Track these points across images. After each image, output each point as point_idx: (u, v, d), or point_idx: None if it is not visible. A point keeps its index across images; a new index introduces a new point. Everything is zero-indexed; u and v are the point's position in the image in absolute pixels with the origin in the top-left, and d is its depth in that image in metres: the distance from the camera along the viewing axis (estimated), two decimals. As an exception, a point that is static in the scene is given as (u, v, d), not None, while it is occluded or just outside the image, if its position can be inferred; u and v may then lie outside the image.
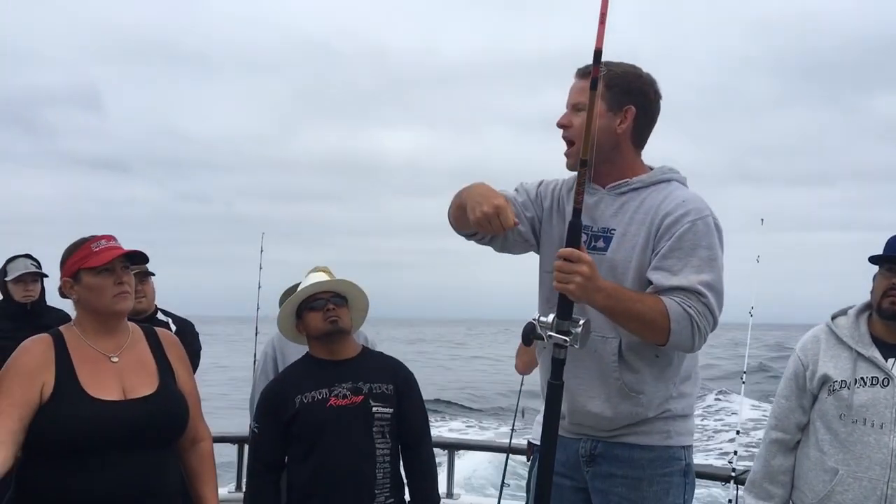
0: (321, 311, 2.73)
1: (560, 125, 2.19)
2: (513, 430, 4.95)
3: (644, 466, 2.15)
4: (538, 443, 4.05)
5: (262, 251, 4.95)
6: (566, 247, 1.95)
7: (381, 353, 2.99)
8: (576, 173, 2.01)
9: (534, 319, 1.96)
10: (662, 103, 2.22)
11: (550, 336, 1.91)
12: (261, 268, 4.91)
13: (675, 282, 2.02)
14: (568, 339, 1.89)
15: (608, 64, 2.10)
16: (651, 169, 2.23)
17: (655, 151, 2.27)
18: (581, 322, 1.91)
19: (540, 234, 2.30)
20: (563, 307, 1.93)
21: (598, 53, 1.90)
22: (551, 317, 1.92)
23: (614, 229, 2.16)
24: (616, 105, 2.14)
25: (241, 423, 5.62)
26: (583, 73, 2.15)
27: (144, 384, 2.22)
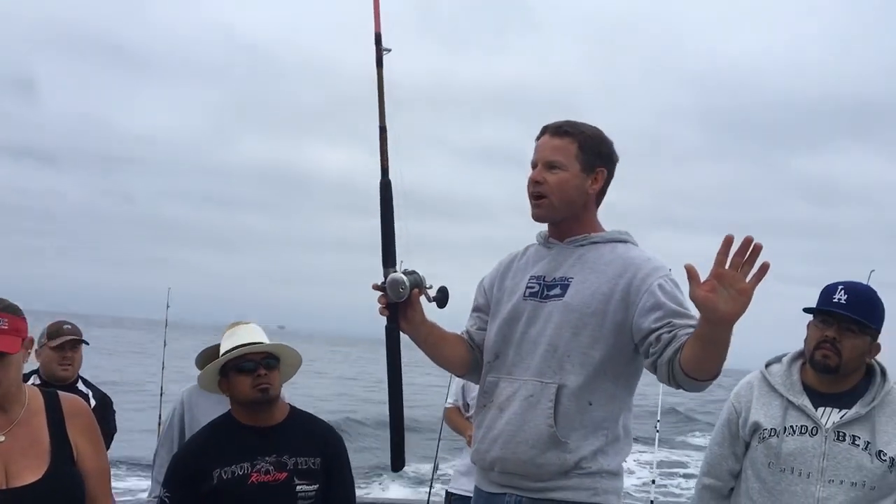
0: (251, 375, 2.50)
1: (533, 180, 2.21)
2: (431, 486, 4.81)
3: None
4: (457, 492, 4.00)
5: (164, 345, 4.76)
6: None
7: (310, 417, 2.75)
8: (519, 251, 2.35)
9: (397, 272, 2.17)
10: None
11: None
12: (164, 367, 4.67)
13: (692, 321, 2.01)
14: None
15: (577, 125, 2.22)
16: (603, 229, 2.29)
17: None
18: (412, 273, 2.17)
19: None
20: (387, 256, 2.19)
21: (377, 38, 2.20)
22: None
23: (572, 277, 2.20)
24: (589, 167, 2.21)
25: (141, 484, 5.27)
26: (553, 132, 2.22)
27: (30, 468, 1.94)
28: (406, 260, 2.22)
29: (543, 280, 2.22)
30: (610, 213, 2.30)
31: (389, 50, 2.22)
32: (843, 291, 2.33)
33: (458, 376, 2.51)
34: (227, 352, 2.56)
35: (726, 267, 1.80)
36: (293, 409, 2.68)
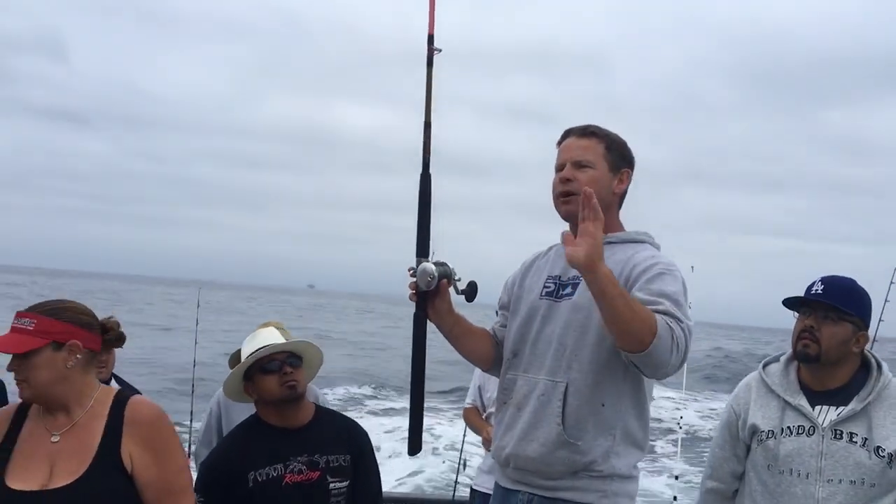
0: (277, 374, 2.55)
1: (564, 178, 2.28)
2: (456, 482, 4.92)
3: None
4: (480, 489, 4.08)
5: (197, 323, 4.68)
6: None
7: (335, 415, 2.84)
8: (542, 250, 2.43)
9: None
10: (619, 100, 2.38)
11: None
12: (196, 342, 4.64)
13: (658, 307, 2.06)
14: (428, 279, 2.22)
15: (603, 130, 2.33)
16: (623, 229, 2.35)
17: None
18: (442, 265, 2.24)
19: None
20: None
21: (430, 38, 2.26)
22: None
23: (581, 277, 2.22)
24: (615, 167, 2.31)
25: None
26: (579, 133, 2.31)
27: (71, 471, 1.94)
28: (437, 252, 2.30)
29: (559, 280, 2.30)
30: (640, 171, 2.35)
31: (440, 50, 2.28)
32: (820, 283, 2.38)
33: (484, 370, 2.57)
34: (249, 355, 2.61)
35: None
36: (318, 407, 2.75)
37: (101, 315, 2.24)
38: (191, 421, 4.24)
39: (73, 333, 2.03)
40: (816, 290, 2.37)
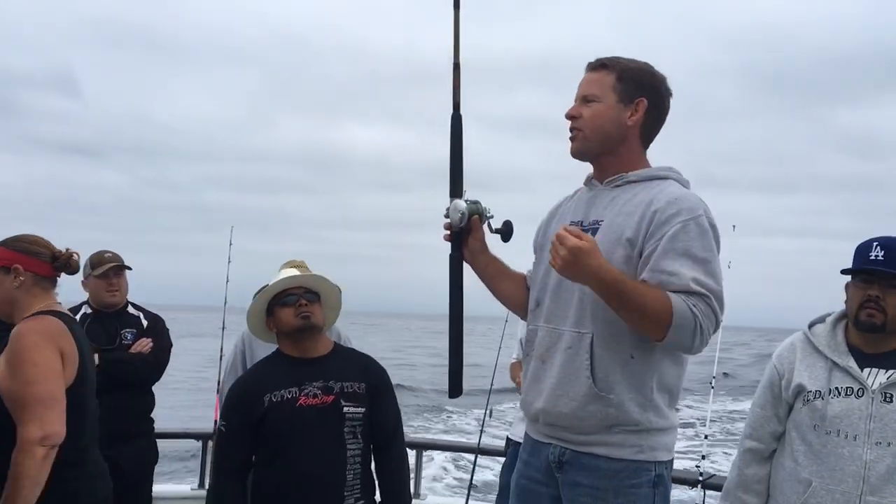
0: (293, 306, 2.65)
1: (569, 116, 2.18)
2: (482, 430, 4.92)
3: (610, 477, 2.07)
4: (516, 439, 4.08)
5: (230, 244, 4.83)
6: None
7: (353, 350, 2.94)
8: (569, 195, 2.33)
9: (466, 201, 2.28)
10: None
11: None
12: (230, 261, 4.79)
13: (676, 285, 1.97)
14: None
15: (619, 59, 2.17)
16: (647, 165, 2.22)
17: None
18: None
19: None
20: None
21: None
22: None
23: (602, 220, 2.14)
24: (627, 97, 2.14)
25: (206, 418, 5.50)
26: (593, 67, 2.18)
27: None
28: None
29: (581, 225, 2.17)
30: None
31: None
32: (878, 248, 2.28)
33: (521, 317, 2.47)
34: (260, 289, 2.75)
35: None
36: (337, 344, 2.84)
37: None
38: (220, 360, 4.28)
39: (17, 259, 2.41)
40: (876, 255, 2.28)
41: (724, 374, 28.42)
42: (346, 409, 2.59)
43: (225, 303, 4.78)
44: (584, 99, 2.16)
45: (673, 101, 2.20)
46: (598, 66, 2.17)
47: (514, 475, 2.31)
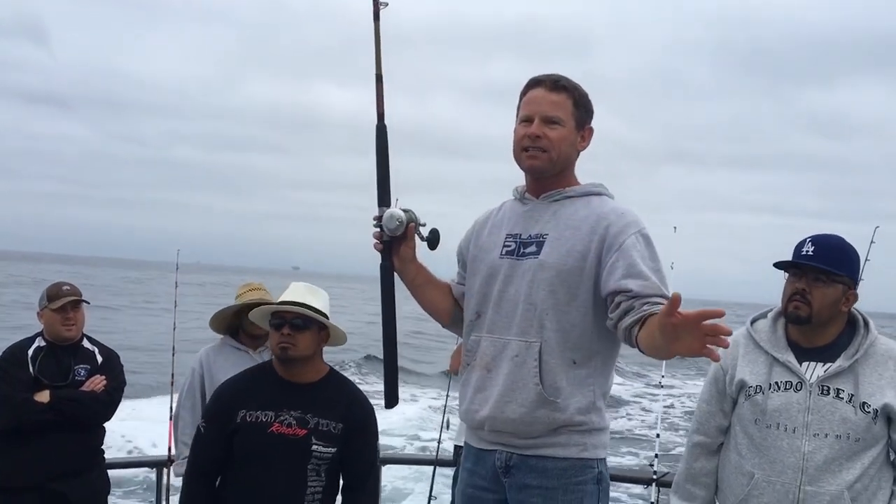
0: (278, 332, 2.59)
1: (533, 135, 2.21)
2: (439, 442, 4.90)
3: (558, 476, 2.16)
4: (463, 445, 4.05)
5: (176, 286, 4.54)
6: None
7: (345, 382, 2.78)
8: (495, 207, 2.39)
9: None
10: (600, 81, 2.33)
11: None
12: (175, 304, 4.51)
13: (657, 290, 2.06)
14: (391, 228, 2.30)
15: (571, 82, 2.25)
16: (578, 182, 2.31)
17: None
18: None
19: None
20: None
21: (378, 79, 2.36)
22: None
23: (547, 234, 2.22)
24: (580, 124, 2.25)
25: (160, 440, 5.35)
26: (551, 86, 2.22)
27: None
28: (402, 200, 2.37)
29: (519, 237, 2.24)
30: (620, 150, 2.47)
31: (387, 4, 2.34)
32: (810, 244, 2.38)
33: (443, 325, 2.51)
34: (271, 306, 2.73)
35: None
36: (332, 372, 2.74)
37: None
38: (171, 396, 4.18)
39: None
40: (807, 251, 2.37)
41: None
42: (315, 447, 2.55)
43: (173, 353, 4.58)
44: (547, 119, 2.20)
45: (651, 78, 2.32)
46: (559, 87, 2.22)
47: (459, 485, 2.36)
